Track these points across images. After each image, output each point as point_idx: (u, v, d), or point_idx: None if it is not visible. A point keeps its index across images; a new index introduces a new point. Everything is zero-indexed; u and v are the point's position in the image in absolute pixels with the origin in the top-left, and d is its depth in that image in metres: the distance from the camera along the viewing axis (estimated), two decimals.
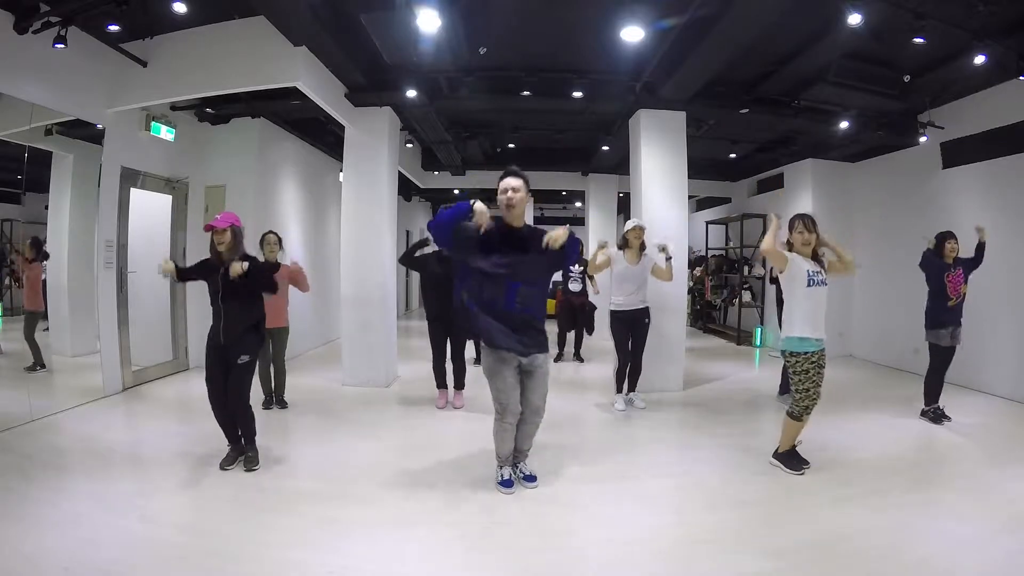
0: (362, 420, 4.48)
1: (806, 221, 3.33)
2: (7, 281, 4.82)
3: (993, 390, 5.24)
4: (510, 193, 2.94)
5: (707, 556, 2.44)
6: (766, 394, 5.37)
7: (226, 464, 3.31)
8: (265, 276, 3.40)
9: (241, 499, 2.95)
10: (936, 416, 4.39)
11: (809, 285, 3.24)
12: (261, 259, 4.32)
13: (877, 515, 2.80)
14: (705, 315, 10.51)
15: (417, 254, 4.85)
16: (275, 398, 4.71)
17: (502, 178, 3.00)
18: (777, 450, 3.45)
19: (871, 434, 4.14)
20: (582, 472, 3.38)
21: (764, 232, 3.34)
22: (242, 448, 3.40)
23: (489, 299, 2.90)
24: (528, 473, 3.19)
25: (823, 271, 3.32)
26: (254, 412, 3.43)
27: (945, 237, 4.35)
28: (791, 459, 3.38)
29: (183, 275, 3.46)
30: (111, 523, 2.60)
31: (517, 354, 2.94)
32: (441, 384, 4.91)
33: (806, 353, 3.25)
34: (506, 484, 3.10)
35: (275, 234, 4.63)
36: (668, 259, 4.64)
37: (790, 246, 3.39)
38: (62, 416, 4.19)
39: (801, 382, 3.27)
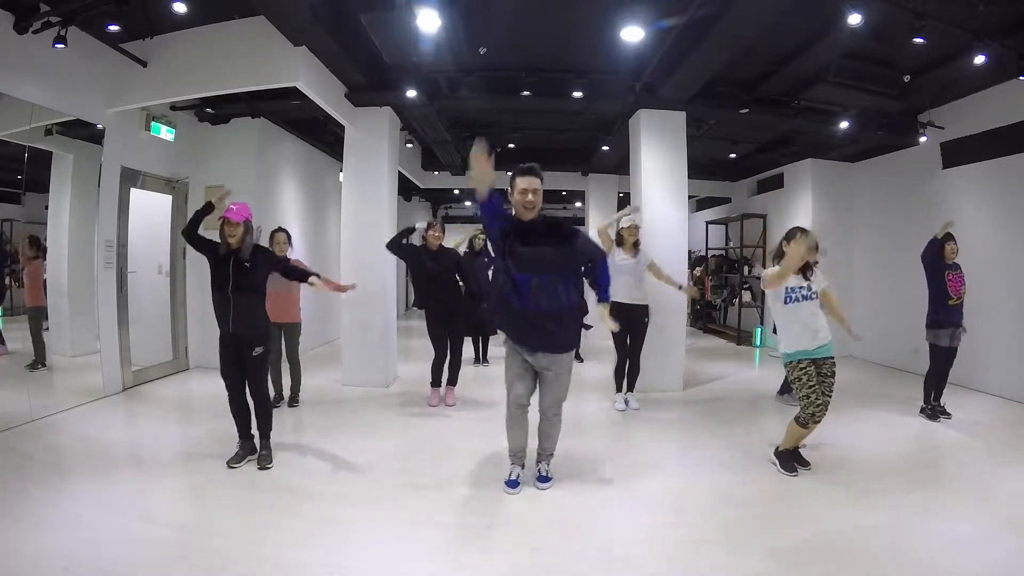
0: (362, 420, 4.48)
1: (808, 235, 3.18)
2: (7, 281, 4.81)
3: (993, 390, 5.24)
4: (531, 196, 2.84)
5: (707, 556, 2.44)
6: (766, 394, 5.36)
7: (234, 462, 3.31)
8: (298, 272, 3.60)
9: (241, 499, 2.95)
10: (934, 413, 4.40)
11: (787, 302, 3.23)
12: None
13: (877, 515, 2.80)
14: (705, 315, 10.51)
15: (404, 241, 4.79)
16: (291, 396, 4.74)
17: (519, 175, 2.87)
18: (778, 447, 3.45)
19: (871, 434, 4.14)
20: (582, 472, 3.37)
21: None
22: (253, 446, 3.42)
23: (506, 295, 2.87)
24: (544, 474, 3.16)
25: (809, 285, 3.24)
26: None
27: (944, 239, 4.34)
28: (787, 459, 3.37)
29: (195, 238, 3.35)
30: (111, 523, 2.60)
31: (525, 350, 2.94)
32: (436, 383, 4.91)
33: (794, 360, 3.25)
34: (510, 484, 3.07)
35: (284, 232, 4.64)
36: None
37: (782, 255, 3.25)
38: (62, 416, 4.19)
39: (799, 388, 3.26)
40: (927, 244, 4.41)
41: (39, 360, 4.61)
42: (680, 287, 5.02)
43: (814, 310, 3.27)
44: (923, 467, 3.60)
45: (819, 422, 3.25)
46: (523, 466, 3.19)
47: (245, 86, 4.72)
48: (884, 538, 2.57)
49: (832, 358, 3.30)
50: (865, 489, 3.12)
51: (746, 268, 9.24)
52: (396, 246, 4.74)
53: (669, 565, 2.39)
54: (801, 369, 3.23)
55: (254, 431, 3.45)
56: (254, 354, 3.28)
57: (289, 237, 4.65)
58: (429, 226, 4.79)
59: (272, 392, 4.68)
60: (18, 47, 3.82)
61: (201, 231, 3.34)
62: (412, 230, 4.88)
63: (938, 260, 4.32)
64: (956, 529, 2.65)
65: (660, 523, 2.76)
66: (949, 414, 4.40)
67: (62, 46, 3.78)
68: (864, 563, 2.36)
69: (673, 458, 3.76)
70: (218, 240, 3.30)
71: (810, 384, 3.22)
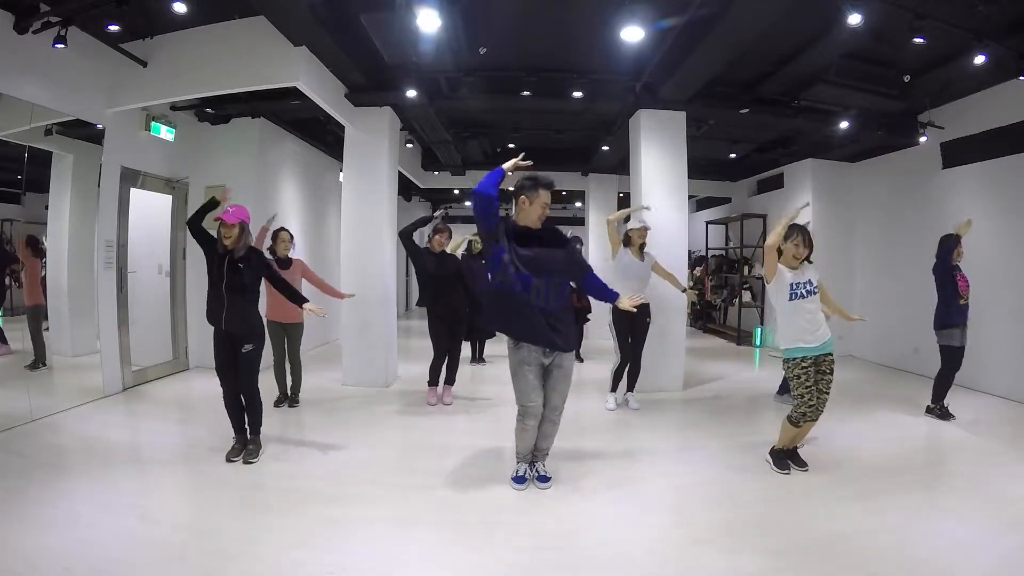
0: (362, 420, 4.48)
1: (805, 236, 3.24)
2: (7, 281, 4.81)
3: (993, 390, 5.23)
4: (547, 210, 3.02)
5: (707, 556, 2.44)
6: (766, 394, 5.36)
7: (232, 456, 3.39)
8: (285, 287, 3.58)
9: (241, 499, 2.95)
10: (944, 413, 4.42)
11: (792, 299, 3.22)
12: (275, 256, 4.55)
13: (877, 515, 2.80)
14: (705, 315, 10.51)
15: (416, 232, 4.77)
16: (291, 395, 4.74)
17: (543, 188, 2.98)
18: (773, 446, 3.45)
19: (871, 434, 4.14)
20: (582, 472, 3.37)
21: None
22: (247, 439, 3.47)
23: (514, 292, 2.87)
24: (543, 474, 3.19)
25: (810, 280, 3.25)
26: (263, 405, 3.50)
27: (958, 239, 4.36)
28: (781, 458, 3.38)
29: (198, 231, 3.41)
30: (111, 523, 2.60)
31: (538, 348, 2.95)
32: (434, 381, 4.91)
33: (796, 358, 3.25)
34: (518, 480, 3.13)
35: (287, 231, 4.68)
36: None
37: (780, 253, 3.30)
38: (62, 416, 4.19)
39: (796, 387, 3.26)
40: (938, 257, 4.37)
41: (39, 360, 4.61)
42: (684, 290, 5.05)
43: (815, 307, 3.27)
44: (923, 467, 3.60)
45: (813, 421, 3.27)
46: (530, 463, 3.23)
47: (245, 86, 4.72)
48: (884, 538, 2.57)
49: (831, 355, 3.29)
50: (865, 489, 3.12)
51: (746, 268, 9.23)
52: (409, 236, 4.72)
53: (669, 565, 2.39)
54: (801, 367, 3.23)
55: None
56: (243, 351, 3.34)
57: (292, 237, 4.68)
58: (437, 231, 4.80)
59: (278, 392, 4.71)
60: (18, 47, 3.82)
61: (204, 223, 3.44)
62: (429, 219, 4.88)
63: (949, 265, 4.32)
64: (956, 529, 2.65)
65: (660, 523, 2.77)
66: (953, 415, 4.40)
67: (62, 46, 3.78)
68: (864, 563, 2.36)
69: (673, 459, 3.75)
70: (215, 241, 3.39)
71: (807, 384, 3.22)
